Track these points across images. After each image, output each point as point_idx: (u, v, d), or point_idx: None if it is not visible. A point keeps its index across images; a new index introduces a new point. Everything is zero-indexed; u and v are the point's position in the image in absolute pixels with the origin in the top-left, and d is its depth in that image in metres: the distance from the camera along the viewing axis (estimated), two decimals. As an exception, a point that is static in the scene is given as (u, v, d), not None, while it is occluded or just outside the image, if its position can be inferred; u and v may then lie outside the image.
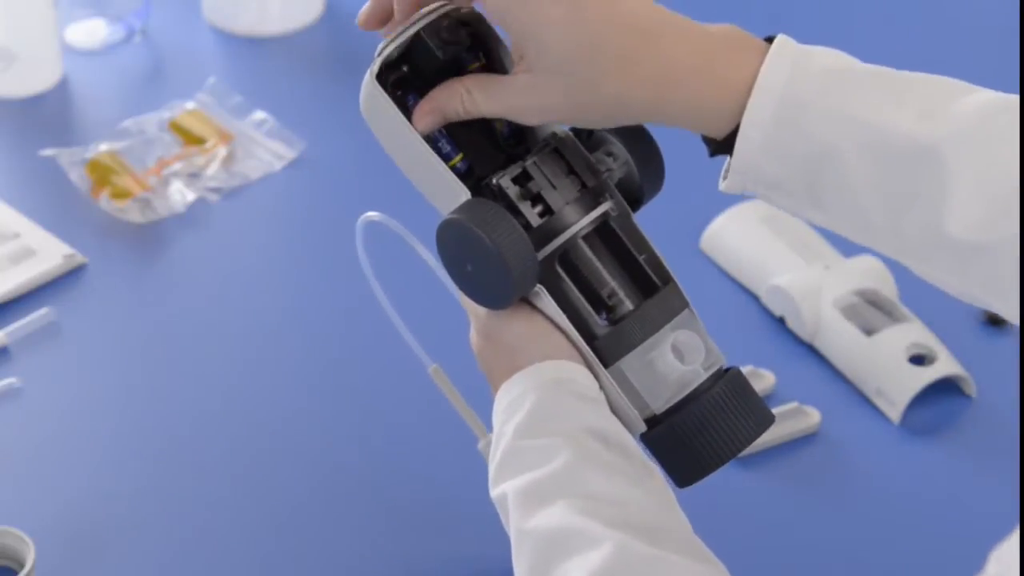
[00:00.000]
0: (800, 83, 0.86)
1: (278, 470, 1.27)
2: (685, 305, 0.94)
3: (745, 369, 1.34)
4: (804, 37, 0.90)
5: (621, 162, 0.95)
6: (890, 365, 1.34)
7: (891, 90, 0.86)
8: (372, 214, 1.08)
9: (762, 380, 1.35)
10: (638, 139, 0.95)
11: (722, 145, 0.89)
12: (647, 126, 0.95)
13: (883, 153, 0.85)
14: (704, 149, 0.94)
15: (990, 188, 0.84)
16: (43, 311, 1.39)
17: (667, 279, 0.94)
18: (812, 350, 1.38)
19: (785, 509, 1.26)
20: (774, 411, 1.29)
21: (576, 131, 0.95)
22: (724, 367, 0.95)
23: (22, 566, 1.13)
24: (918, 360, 1.35)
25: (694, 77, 0.87)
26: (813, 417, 1.32)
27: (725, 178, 0.89)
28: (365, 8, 0.94)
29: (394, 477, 1.27)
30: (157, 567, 1.20)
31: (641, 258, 0.94)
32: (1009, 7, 1.78)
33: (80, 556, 1.20)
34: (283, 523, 1.23)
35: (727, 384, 0.92)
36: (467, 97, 0.91)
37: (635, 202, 0.95)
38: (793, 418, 1.31)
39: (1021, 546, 0.86)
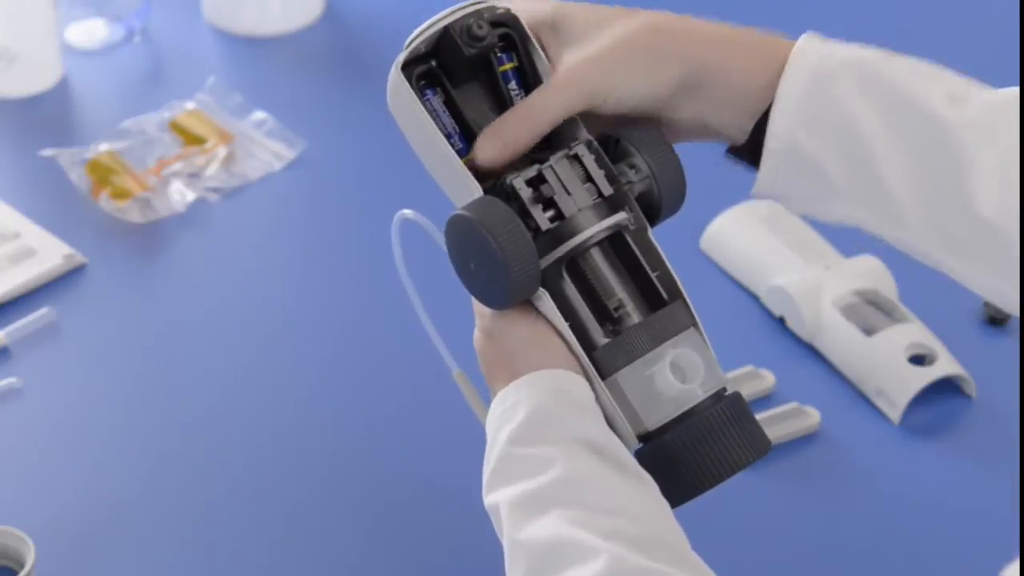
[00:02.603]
0: (831, 60, 0.89)
1: (278, 470, 1.27)
2: (691, 324, 0.92)
3: (745, 369, 1.35)
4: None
5: (643, 176, 0.93)
6: (890, 365, 1.34)
7: (919, 72, 0.89)
8: (407, 212, 1.07)
9: (762, 380, 1.35)
10: (663, 155, 0.94)
11: (747, 151, 0.91)
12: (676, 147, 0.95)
13: (910, 132, 0.87)
14: (705, 151, 0.94)
15: (1011, 172, 0.86)
16: (43, 311, 1.39)
17: (676, 296, 0.93)
18: (812, 350, 1.38)
19: (785, 509, 1.26)
20: (774, 411, 1.31)
21: (603, 141, 0.94)
22: (726, 390, 0.93)
23: (22, 566, 1.13)
24: (918, 360, 1.35)
25: (733, 46, 0.90)
26: (813, 417, 1.32)
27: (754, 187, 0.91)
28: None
29: (391, 478, 1.27)
30: (157, 567, 1.20)
31: (654, 274, 0.93)
32: (1009, 7, 1.78)
33: (80, 556, 1.20)
34: (283, 523, 1.23)
35: (724, 407, 0.91)
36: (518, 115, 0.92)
37: (653, 217, 0.95)
38: (793, 418, 1.31)
39: (1022, 552, 0.86)
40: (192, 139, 1.57)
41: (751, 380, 1.34)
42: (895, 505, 1.26)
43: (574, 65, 0.91)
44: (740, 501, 1.25)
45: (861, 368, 1.35)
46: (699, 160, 0.95)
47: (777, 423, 1.29)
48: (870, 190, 0.89)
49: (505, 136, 0.92)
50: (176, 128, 1.58)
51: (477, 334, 0.96)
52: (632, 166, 0.93)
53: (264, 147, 1.58)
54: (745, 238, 1.45)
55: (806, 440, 1.31)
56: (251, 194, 1.54)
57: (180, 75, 1.68)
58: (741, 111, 0.91)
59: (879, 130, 0.87)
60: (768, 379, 1.35)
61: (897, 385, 1.33)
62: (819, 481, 1.28)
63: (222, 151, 1.56)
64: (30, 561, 1.13)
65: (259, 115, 1.61)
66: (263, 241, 1.51)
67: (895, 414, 1.33)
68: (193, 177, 1.54)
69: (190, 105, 1.61)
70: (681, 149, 0.98)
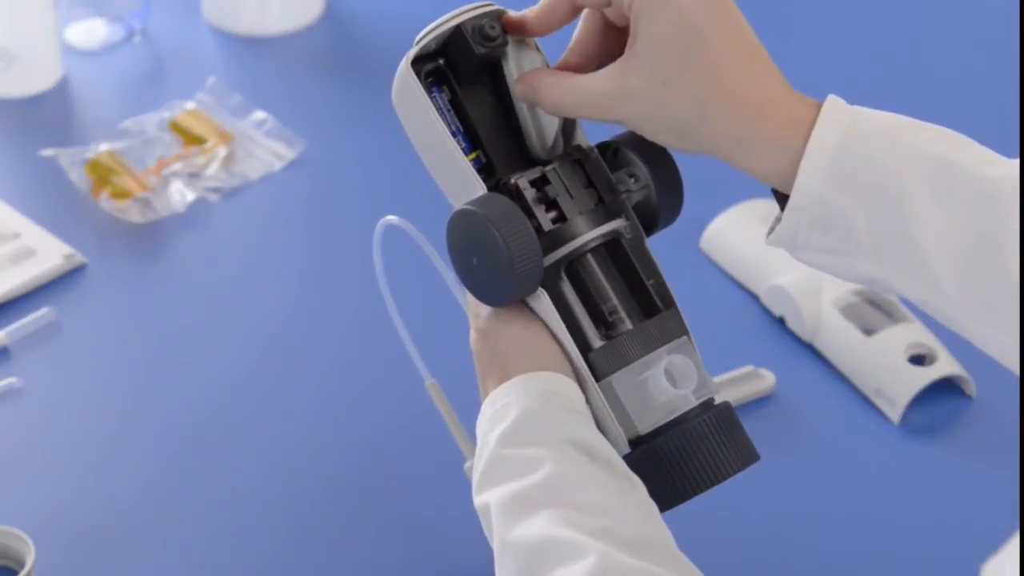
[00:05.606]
0: (863, 120, 0.86)
1: (278, 469, 1.27)
2: (684, 332, 0.94)
3: (745, 369, 1.35)
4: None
5: (641, 185, 0.94)
6: (890, 365, 1.34)
7: (950, 137, 0.87)
8: (391, 218, 1.08)
9: (762, 380, 1.35)
10: (662, 165, 0.94)
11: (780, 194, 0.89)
12: (674, 154, 0.94)
13: (948, 187, 0.84)
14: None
15: None
16: (43, 311, 1.39)
17: (670, 304, 0.94)
18: (812, 350, 1.39)
19: (783, 510, 1.26)
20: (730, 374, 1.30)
21: (602, 149, 0.95)
22: (715, 399, 0.94)
23: (22, 566, 1.13)
24: (918, 360, 1.35)
25: (774, 111, 0.87)
26: (768, 379, 1.33)
27: (772, 230, 0.89)
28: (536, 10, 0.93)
29: (384, 484, 1.27)
30: (156, 567, 1.20)
31: (649, 282, 0.94)
32: (1009, 7, 1.78)
33: (80, 556, 1.20)
34: (281, 524, 1.23)
35: (714, 415, 0.92)
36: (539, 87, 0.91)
37: (650, 227, 0.95)
38: (750, 380, 1.32)
39: (1022, 552, 0.86)
40: (192, 139, 1.57)
41: (751, 380, 1.34)
42: (894, 505, 1.26)
43: (625, 68, 0.88)
44: (738, 500, 1.25)
45: (861, 368, 1.35)
46: (699, 160, 0.95)
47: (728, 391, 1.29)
48: (898, 247, 0.86)
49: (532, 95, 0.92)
50: (176, 128, 1.58)
51: (473, 335, 0.97)
52: (632, 175, 0.95)
53: (264, 147, 1.58)
54: (745, 238, 1.45)
55: (805, 440, 1.31)
56: (251, 194, 1.54)
57: (180, 75, 1.68)
58: (769, 170, 0.88)
59: (914, 186, 0.85)
60: (768, 379, 1.35)
61: (897, 385, 1.33)
62: (818, 481, 1.28)
63: (222, 151, 1.56)
64: (30, 561, 1.13)
65: (259, 115, 1.61)
66: (263, 241, 1.51)
67: (895, 414, 1.33)
68: (193, 177, 1.54)
69: (190, 105, 1.61)
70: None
